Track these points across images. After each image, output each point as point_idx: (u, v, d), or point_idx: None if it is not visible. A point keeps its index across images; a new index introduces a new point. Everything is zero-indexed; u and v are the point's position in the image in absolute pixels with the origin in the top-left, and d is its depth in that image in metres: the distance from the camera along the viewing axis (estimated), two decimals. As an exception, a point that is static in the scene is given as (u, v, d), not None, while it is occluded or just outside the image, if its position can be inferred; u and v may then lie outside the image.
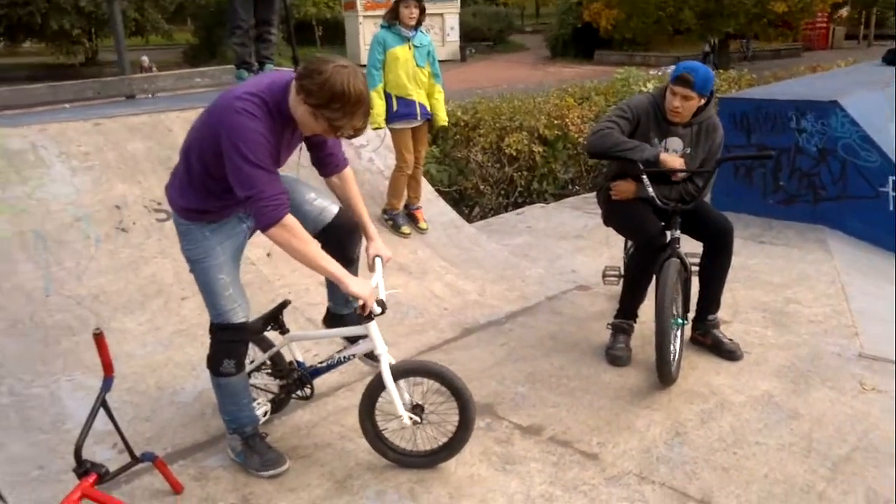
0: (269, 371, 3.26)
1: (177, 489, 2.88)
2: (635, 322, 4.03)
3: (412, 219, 5.46)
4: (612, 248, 5.58)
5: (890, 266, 5.30)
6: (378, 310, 2.77)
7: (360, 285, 2.69)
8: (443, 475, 2.98)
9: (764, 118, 6.21)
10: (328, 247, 2.95)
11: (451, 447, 2.96)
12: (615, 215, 4.09)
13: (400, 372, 2.88)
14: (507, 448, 3.17)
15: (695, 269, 3.95)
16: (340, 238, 3.01)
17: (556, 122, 7.52)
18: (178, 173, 2.87)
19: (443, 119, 5.46)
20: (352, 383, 3.69)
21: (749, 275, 5.05)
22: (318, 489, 2.91)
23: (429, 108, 5.30)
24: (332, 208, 3.02)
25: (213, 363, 2.93)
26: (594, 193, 5.17)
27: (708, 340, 4.01)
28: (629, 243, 4.32)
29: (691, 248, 3.90)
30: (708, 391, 3.61)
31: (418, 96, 5.23)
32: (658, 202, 3.74)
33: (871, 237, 5.71)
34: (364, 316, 2.76)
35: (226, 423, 3.06)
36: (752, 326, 4.29)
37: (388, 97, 5.20)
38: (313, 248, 2.67)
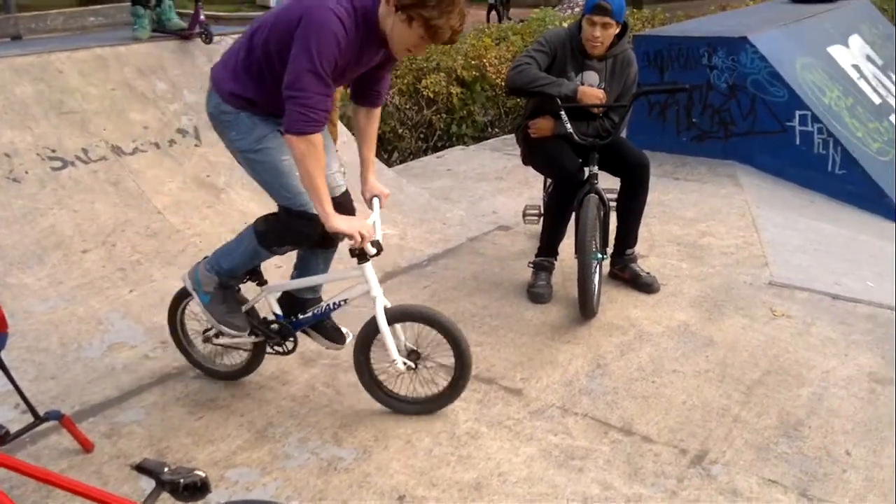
0: None
1: (87, 447, 2.73)
2: (556, 259, 4.05)
3: (328, 162, 5.29)
4: (531, 189, 5.57)
5: (795, 197, 5.50)
6: (373, 250, 2.65)
7: (347, 222, 2.54)
8: (367, 418, 2.94)
9: (677, 55, 6.27)
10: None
11: (447, 395, 2.90)
12: (534, 153, 4.07)
13: (395, 315, 2.77)
14: (432, 388, 3.15)
15: (612, 204, 3.98)
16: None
17: (473, 62, 7.40)
18: (234, 54, 2.61)
19: None
20: (270, 331, 3.58)
21: (664, 210, 5.14)
22: (238, 440, 2.82)
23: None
24: (343, 186, 2.89)
25: (272, 241, 2.74)
26: (513, 135, 5.12)
27: (626, 274, 4.07)
28: (549, 182, 4.31)
29: (609, 184, 3.92)
30: (627, 323, 3.67)
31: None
32: (576, 138, 3.73)
33: (779, 170, 5.90)
34: (359, 256, 2.66)
35: (216, 263, 2.85)
36: (668, 259, 4.38)
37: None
38: (320, 173, 2.48)
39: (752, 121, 6.00)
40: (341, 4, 2.38)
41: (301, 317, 2.94)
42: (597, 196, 3.71)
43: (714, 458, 2.70)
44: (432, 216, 5.06)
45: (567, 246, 3.99)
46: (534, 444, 2.80)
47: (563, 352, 3.43)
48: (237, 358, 3.16)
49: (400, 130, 6.61)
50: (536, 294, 3.92)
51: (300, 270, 3.01)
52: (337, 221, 2.53)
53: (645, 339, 3.52)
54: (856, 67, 6.95)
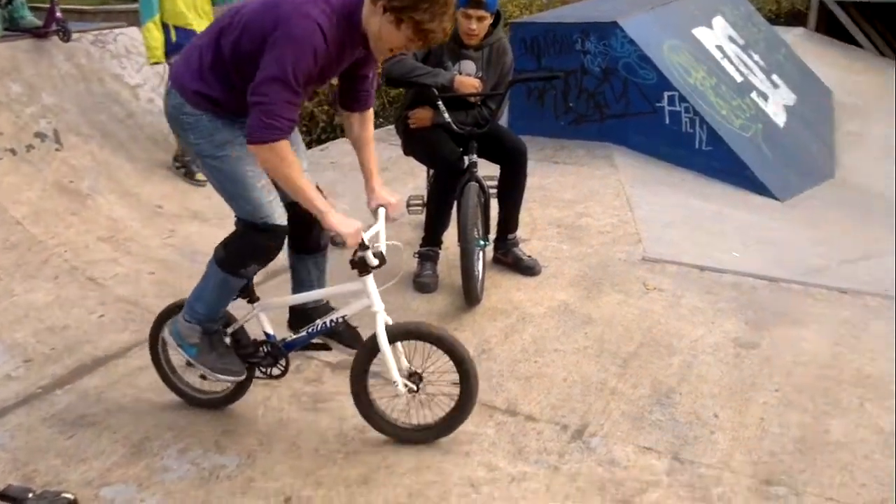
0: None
1: (-57, 480, 2.55)
2: (440, 248, 4.07)
3: (204, 162, 5.12)
4: (416, 179, 5.57)
5: (667, 175, 5.75)
6: (375, 261, 2.50)
7: (344, 222, 2.39)
8: (250, 423, 2.88)
9: (552, 41, 6.42)
10: (297, 225, 2.65)
11: (450, 422, 2.71)
12: (414, 144, 4.09)
13: (396, 333, 2.62)
14: (318, 387, 3.11)
15: (493, 191, 4.04)
16: (306, 216, 2.65)
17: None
18: (196, 53, 2.47)
19: None
20: (144, 341, 3.44)
21: (545, 194, 5.26)
22: (113, 456, 2.70)
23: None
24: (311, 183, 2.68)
25: (235, 263, 2.58)
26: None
27: (509, 259, 4.15)
28: (431, 171, 4.34)
29: (490, 171, 3.98)
30: (510, 307, 3.74)
31: (199, 26, 4.85)
32: (454, 127, 3.77)
33: (651, 150, 6.15)
34: (360, 265, 2.48)
35: (191, 310, 2.68)
36: (548, 242, 4.49)
37: (165, 28, 4.78)
38: (297, 174, 2.36)
39: (625, 103, 6.21)
40: (322, 9, 2.26)
41: (292, 338, 2.78)
42: (477, 184, 3.77)
43: (593, 431, 2.80)
44: (316, 211, 4.99)
45: (451, 234, 4.02)
46: (420, 434, 2.81)
47: (448, 339, 3.45)
48: (221, 385, 2.93)
49: (281, 125, 6.48)
50: (422, 284, 3.93)
51: (294, 282, 2.90)
52: (333, 219, 2.39)
53: (528, 321, 3.60)
54: (719, 48, 7.31)
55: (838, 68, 9.01)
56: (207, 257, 2.71)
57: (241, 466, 2.64)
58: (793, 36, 9.29)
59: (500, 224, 4.15)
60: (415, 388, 2.69)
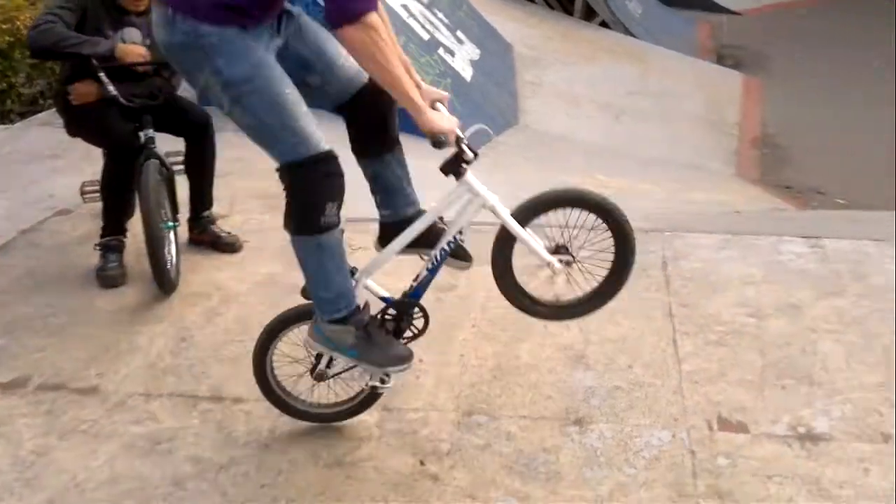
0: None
1: None
2: (125, 237, 3.73)
3: None
4: (95, 164, 5.00)
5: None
6: (471, 155, 2.14)
7: (443, 118, 2.08)
8: None
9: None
10: (364, 116, 2.31)
11: (615, 282, 2.35)
12: (78, 123, 3.70)
13: (527, 214, 2.26)
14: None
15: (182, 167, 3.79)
16: (379, 105, 2.27)
17: (4, 26, 6.37)
18: None
19: None
20: None
21: (245, 165, 5.03)
22: None
23: None
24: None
25: (310, 216, 2.15)
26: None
27: (206, 237, 3.92)
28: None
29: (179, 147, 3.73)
30: (212, 288, 3.54)
31: None
32: (122, 101, 3.45)
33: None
34: (454, 166, 2.17)
35: (326, 307, 2.28)
36: (250, 215, 4.32)
37: None
38: (395, 60, 1.98)
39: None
40: None
41: (414, 286, 2.40)
42: (157, 161, 3.51)
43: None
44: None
45: (138, 220, 3.70)
46: (114, 441, 2.57)
47: (143, 334, 3.18)
48: (349, 393, 2.56)
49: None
50: (107, 277, 3.58)
51: (382, 191, 2.48)
52: (432, 118, 2.05)
53: (231, 301, 3.44)
54: (405, 7, 7.52)
55: (515, 22, 9.78)
56: None
57: None
58: (471, -7, 9.86)
59: (191, 202, 3.91)
60: (571, 258, 2.34)
